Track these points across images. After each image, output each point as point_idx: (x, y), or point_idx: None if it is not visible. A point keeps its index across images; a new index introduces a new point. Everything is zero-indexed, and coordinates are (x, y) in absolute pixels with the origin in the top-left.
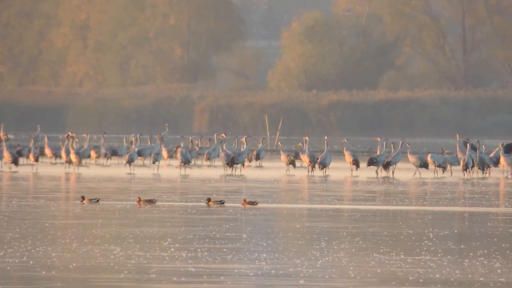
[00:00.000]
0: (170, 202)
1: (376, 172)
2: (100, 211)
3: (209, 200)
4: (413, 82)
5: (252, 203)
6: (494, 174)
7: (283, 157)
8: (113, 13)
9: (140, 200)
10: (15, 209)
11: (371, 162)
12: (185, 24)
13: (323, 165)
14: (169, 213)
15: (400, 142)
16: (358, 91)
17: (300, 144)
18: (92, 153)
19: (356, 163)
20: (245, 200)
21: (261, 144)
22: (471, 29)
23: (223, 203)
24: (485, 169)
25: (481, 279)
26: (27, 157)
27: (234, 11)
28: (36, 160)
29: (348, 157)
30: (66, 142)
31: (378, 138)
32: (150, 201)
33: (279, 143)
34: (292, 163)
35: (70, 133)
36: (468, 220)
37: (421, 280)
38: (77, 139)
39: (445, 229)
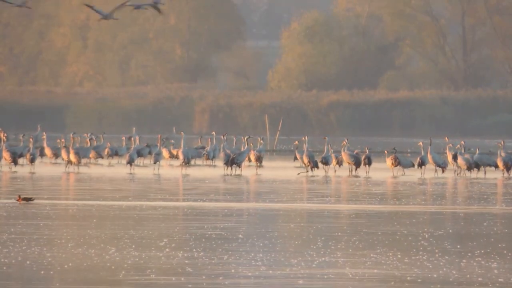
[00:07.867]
0: (168, 202)
1: (421, 173)
2: (96, 211)
3: (19, 197)
4: (413, 82)
5: (28, 199)
6: (492, 174)
7: (252, 156)
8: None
9: (19, 198)
10: (11, 209)
11: (421, 164)
12: (185, 24)
13: (326, 163)
14: (165, 213)
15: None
16: (358, 91)
17: (297, 142)
18: (92, 154)
19: (355, 163)
20: (19, 196)
21: (261, 144)
22: (471, 29)
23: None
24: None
25: (479, 279)
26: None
27: (234, 11)
28: (31, 161)
29: (346, 158)
30: (63, 144)
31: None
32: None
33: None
34: (258, 159)
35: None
36: (464, 220)
37: (419, 280)
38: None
39: (441, 229)
